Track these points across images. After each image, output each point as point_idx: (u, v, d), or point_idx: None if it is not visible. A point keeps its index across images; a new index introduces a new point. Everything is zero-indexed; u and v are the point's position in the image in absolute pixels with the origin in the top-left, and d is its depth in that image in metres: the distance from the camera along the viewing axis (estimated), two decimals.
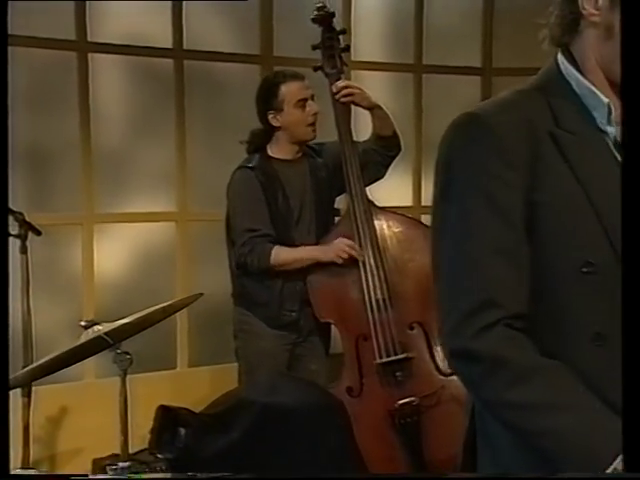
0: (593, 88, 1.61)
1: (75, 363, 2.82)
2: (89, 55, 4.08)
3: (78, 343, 2.61)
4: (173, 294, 4.22)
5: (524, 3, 4.71)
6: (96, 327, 2.66)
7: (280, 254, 3.42)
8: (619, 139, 1.61)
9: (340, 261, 3.33)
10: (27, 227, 3.34)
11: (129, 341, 4.10)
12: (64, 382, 3.83)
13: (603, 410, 1.52)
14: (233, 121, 3.88)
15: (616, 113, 1.61)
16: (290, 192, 3.49)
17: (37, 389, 3.62)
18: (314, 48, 3.47)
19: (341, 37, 3.52)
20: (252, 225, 3.48)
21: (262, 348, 3.57)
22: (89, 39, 4.08)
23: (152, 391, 3.78)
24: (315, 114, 3.49)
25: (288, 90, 3.49)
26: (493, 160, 1.58)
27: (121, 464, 2.69)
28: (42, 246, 3.95)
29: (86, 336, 2.63)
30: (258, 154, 3.58)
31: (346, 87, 3.41)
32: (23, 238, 3.32)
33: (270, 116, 3.50)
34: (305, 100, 3.50)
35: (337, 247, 3.36)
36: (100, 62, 4.14)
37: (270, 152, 3.57)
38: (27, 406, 3.27)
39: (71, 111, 4.08)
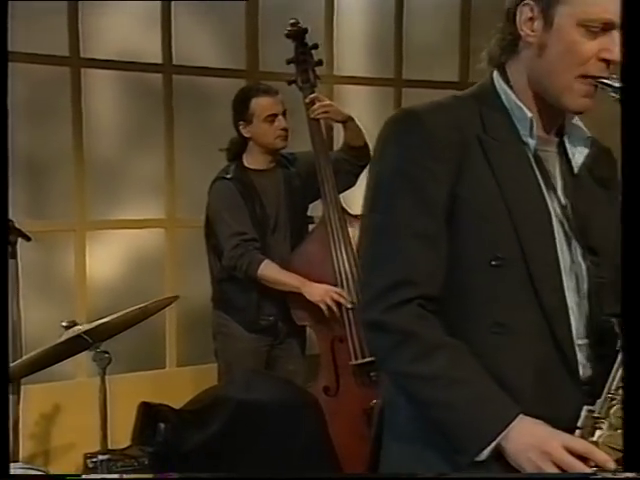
0: (520, 103, 1.70)
1: (57, 362, 2.84)
2: (82, 70, 4.08)
3: (57, 342, 2.66)
4: (161, 294, 4.13)
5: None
6: (76, 327, 2.71)
7: (268, 270, 3.41)
8: (538, 152, 1.69)
9: (324, 307, 3.31)
10: (17, 233, 3.33)
11: (120, 342, 4.16)
12: (57, 381, 3.87)
13: (495, 388, 1.59)
14: (220, 133, 3.86)
15: (537, 128, 1.68)
16: (266, 201, 3.50)
17: (31, 387, 3.69)
18: (288, 62, 3.50)
19: (314, 52, 3.51)
20: (240, 229, 3.47)
21: (240, 350, 3.56)
22: (82, 55, 4.07)
23: (141, 390, 3.81)
24: (284, 129, 3.49)
25: (258, 104, 3.50)
26: (424, 153, 1.65)
27: (100, 457, 2.76)
28: (37, 251, 4.01)
29: (67, 336, 2.67)
30: (234, 165, 3.59)
31: (319, 106, 3.42)
32: (13, 244, 3.31)
33: (241, 126, 3.53)
34: (275, 115, 3.50)
35: (325, 292, 3.33)
36: (93, 77, 4.16)
37: (245, 163, 3.58)
38: (16, 403, 3.26)
39: (65, 123, 4.10)
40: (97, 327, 2.70)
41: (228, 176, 3.54)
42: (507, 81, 1.73)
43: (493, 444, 1.55)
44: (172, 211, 4.33)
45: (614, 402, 1.60)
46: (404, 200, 1.66)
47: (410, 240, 1.65)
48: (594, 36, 1.62)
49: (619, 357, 1.61)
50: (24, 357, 2.75)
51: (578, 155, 1.73)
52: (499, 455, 1.57)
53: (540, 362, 1.64)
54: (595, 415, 1.60)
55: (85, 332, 2.66)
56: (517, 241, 1.63)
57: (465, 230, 1.65)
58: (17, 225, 3.35)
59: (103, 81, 4.22)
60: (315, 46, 3.42)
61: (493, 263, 1.64)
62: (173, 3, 4.26)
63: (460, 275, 1.66)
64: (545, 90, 1.68)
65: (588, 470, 1.54)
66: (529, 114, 1.68)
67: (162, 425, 3.09)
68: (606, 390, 1.61)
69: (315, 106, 3.41)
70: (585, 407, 1.61)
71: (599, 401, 1.61)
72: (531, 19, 1.66)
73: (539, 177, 1.69)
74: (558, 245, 1.68)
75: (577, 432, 1.59)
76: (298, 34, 3.40)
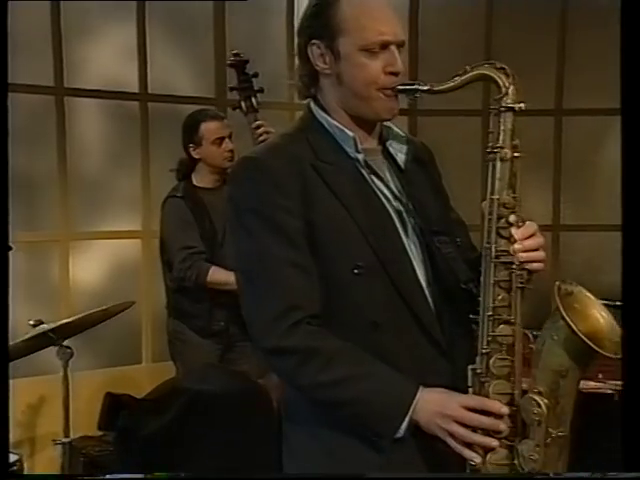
0: (340, 126, 1.72)
1: (25, 356, 2.87)
2: (65, 98, 4.15)
3: (23, 338, 2.72)
4: (138, 300, 4.16)
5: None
6: (42, 326, 2.78)
7: (216, 274, 3.34)
8: (367, 162, 1.72)
9: None
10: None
11: (100, 341, 4.23)
12: (43, 375, 3.86)
13: (392, 373, 1.62)
14: None
15: (361, 143, 1.71)
16: (214, 217, 3.43)
17: (20, 380, 3.58)
18: (231, 90, 3.42)
19: (254, 80, 3.38)
20: (188, 243, 3.41)
21: (195, 354, 3.50)
22: (66, 85, 4.14)
23: (119, 383, 3.83)
24: (230, 151, 3.45)
25: (207, 128, 3.47)
26: (272, 194, 1.64)
27: (64, 439, 2.84)
28: (25, 259, 4.10)
29: (33, 333, 2.76)
30: (184, 184, 3.54)
31: (263, 130, 3.29)
32: None
33: (190, 149, 3.49)
34: (222, 138, 3.47)
35: None
36: (76, 104, 4.21)
37: (195, 181, 3.53)
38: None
39: (51, 145, 4.15)
40: (61, 326, 2.76)
41: (178, 194, 3.50)
42: (323, 109, 1.74)
43: (406, 420, 1.58)
44: (147, 223, 4.34)
45: (490, 355, 1.62)
46: (266, 237, 1.65)
47: (283, 271, 1.64)
48: (376, 56, 1.66)
49: (481, 314, 1.64)
50: None
51: (400, 154, 1.78)
52: (416, 428, 1.59)
53: (412, 345, 1.68)
54: (479, 371, 1.62)
55: (50, 330, 2.71)
56: (370, 248, 1.66)
57: (326, 249, 1.67)
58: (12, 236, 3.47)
59: (85, 108, 4.27)
60: (255, 75, 3.36)
61: (355, 272, 1.65)
62: (148, 38, 4.30)
63: (332, 289, 1.67)
64: (355, 109, 1.72)
65: (487, 421, 1.56)
66: (350, 134, 1.71)
67: (124, 412, 3.11)
68: (479, 348, 1.63)
69: (259, 130, 3.31)
70: (469, 367, 1.62)
71: (477, 359, 1.63)
72: (322, 55, 1.70)
73: (374, 185, 1.72)
74: (405, 241, 1.71)
75: (470, 390, 1.62)
76: (239, 64, 3.33)
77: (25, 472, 2.95)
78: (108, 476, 2.71)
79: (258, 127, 3.25)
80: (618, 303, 2.25)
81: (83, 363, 4.12)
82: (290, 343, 1.61)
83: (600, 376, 2.75)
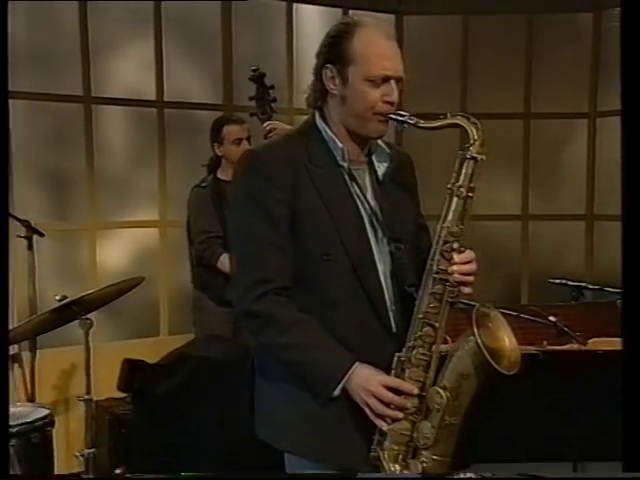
0: (334, 137, 1.84)
1: (54, 328, 2.98)
2: (93, 106, 4.22)
3: (49, 309, 2.83)
4: (157, 281, 4.41)
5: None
6: (66, 301, 2.87)
7: (225, 263, 3.43)
8: (351, 170, 1.84)
9: None
10: (32, 231, 3.49)
11: (122, 315, 4.37)
12: (74, 345, 3.90)
13: (336, 346, 1.75)
14: (202, 153, 3.93)
15: (347, 152, 1.83)
16: None
17: (55, 350, 3.88)
18: (250, 99, 3.46)
19: (271, 91, 3.44)
20: (206, 227, 3.56)
21: (212, 320, 3.62)
22: (93, 94, 4.20)
23: (139, 353, 3.74)
24: None
25: (228, 130, 3.63)
26: (266, 184, 1.77)
27: (86, 396, 3.00)
28: (57, 246, 4.19)
29: (57, 305, 2.85)
30: (210, 176, 3.69)
31: (269, 125, 3.33)
32: (29, 239, 3.48)
33: (214, 146, 3.66)
34: (241, 139, 3.62)
35: None
36: (102, 111, 4.27)
37: (219, 174, 3.68)
38: (32, 358, 3.48)
39: (80, 147, 4.21)
40: (81, 298, 2.85)
41: (203, 185, 3.67)
42: (325, 119, 1.86)
43: (340, 386, 1.73)
44: (164, 214, 4.43)
45: (414, 348, 1.76)
46: (255, 219, 1.78)
47: (263, 248, 1.77)
48: (377, 86, 1.78)
49: (414, 314, 1.77)
50: (23, 321, 2.94)
51: (381, 168, 1.89)
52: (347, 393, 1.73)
53: (365, 326, 1.81)
54: (402, 359, 1.77)
55: (71, 302, 2.82)
56: (340, 240, 1.78)
57: (303, 236, 1.79)
58: (33, 225, 3.53)
59: (110, 114, 4.32)
60: (272, 87, 3.43)
61: (324, 258, 1.78)
62: (164, 52, 4.36)
63: (303, 268, 1.79)
64: (351, 126, 1.84)
65: (397, 399, 1.71)
66: (340, 145, 1.83)
67: (139, 375, 3.29)
68: (408, 340, 1.77)
69: (269, 128, 3.34)
70: (396, 354, 1.77)
71: (404, 349, 1.77)
72: (332, 78, 1.81)
73: (352, 189, 1.84)
74: (371, 239, 1.83)
75: (392, 372, 1.77)
76: (258, 78, 3.42)
77: (56, 426, 3.00)
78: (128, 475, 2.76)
79: (267, 127, 3.30)
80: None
81: (108, 335, 4.29)
82: (257, 308, 1.76)
83: (544, 343, 2.79)
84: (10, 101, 4.08)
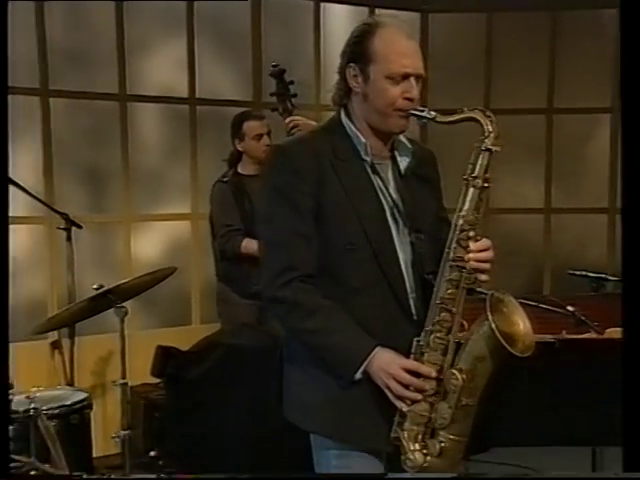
0: (357, 132, 1.88)
1: (91, 316, 3.06)
2: (128, 104, 4.28)
3: (86, 298, 2.92)
4: (189, 272, 4.47)
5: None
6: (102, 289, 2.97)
7: (248, 244, 3.46)
8: (374, 164, 1.87)
9: None
10: (71, 223, 3.57)
11: (156, 304, 4.44)
12: (110, 333, 3.93)
13: (359, 331, 1.79)
14: (230, 148, 3.89)
15: (370, 147, 1.87)
16: (254, 198, 3.50)
17: (93, 337, 3.96)
18: (271, 95, 3.46)
19: (291, 86, 3.41)
20: (228, 221, 3.54)
21: (237, 312, 3.61)
22: (128, 92, 4.27)
23: (172, 341, 3.75)
24: (267, 145, 3.52)
25: (248, 126, 3.61)
26: (293, 177, 1.82)
27: (121, 381, 3.08)
28: (95, 237, 4.27)
29: (94, 293, 2.95)
30: (231, 171, 3.66)
31: (291, 120, 3.32)
32: (68, 231, 3.55)
33: (235, 142, 3.63)
34: (261, 135, 3.60)
35: None
36: (136, 108, 4.34)
37: (240, 169, 3.66)
38: (71, 344, 3.57)
39: (116, 143, 4.28)
40: (116, 287, 2.93)
41: (225, 179, 3.64)
42: (349, 116, 1.90)
43: (361, 369, 1.77)
44: (195, 207, 4.46)
45: (432, 333, 1.80)
46: (283, 210, 1.82)
47: (289, 238, 1.81)
48: (397, 83, 1.82)
49: (432, 300, 1.81)
50: (62, 309, 3.03)
51: (404, 162, 1.92)
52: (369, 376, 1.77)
53: (386, 312, 1.84)
54: (421, 343, 1.81)
55: (107, 291, 2.90)
56: (362, 230, 1.82)
57: (328, 226, 1.82)
58: (72, 217, 3.62)
59: (144, 111, 4.38)
60: (291, 82, 3.41)
61: (348, 247, 1.82)
62: (196, 51, 4.41)
63: (328, 257, 1.83)
64: (373, 122, 1.88)
65: (416, 381, 1.75)
66: (363, 140, 1.87)
67: (171, 361, 3.32)
68: (426, 325, 1.81)
69: (291, 125, 3.32)
70: (415, 339, 1.81)
71: (422, 333, 1.81)
72: (355, 76, 1.85)
73: (375, 182, 1.87)
74: (392, 229, 1.86)
75: (411, 356, 1.80)
76: (278, 73, 3.41)
77: (94, 409, 3.11)
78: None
79: (291, 122, 3.30)
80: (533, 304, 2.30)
81: (143, 324, 4.36)
82: (283, 294, 1.80)
83: (564, 332, 2.79)
84: (50, 100, 4.24)
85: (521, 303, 1.86)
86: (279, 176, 1.85)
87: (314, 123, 3.33)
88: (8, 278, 1.75)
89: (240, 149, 3.64)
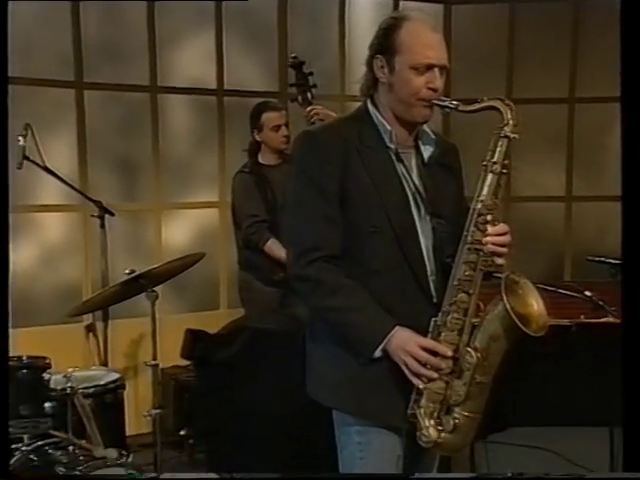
0: (383, 121, 1.92)
1: (123, 300, 3.11)
2: (158, 95, 4.34)
3: (118, 282, 2.98)
4: (217, 258, 4.51)
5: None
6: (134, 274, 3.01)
7: (273, 247, 3.45)
8: (398, 152, 1.91)
9: None
10: (104, 211, 3.62)
11: (186, 290, 4.50)
12: (140, 317, 3.95)
13: (379, 311, 1.83)
14: None
15: (395, 136, 1.90)
16: (275, 188, 3.52)
17: (125, 320, 4.01)
18: (291, 85, 3.48)
19: (310, 77, 3.42)
20: (253, 212, 3.52)
21: (259, 300, 3.61)
22: (159, 84, 4.32)
23: (201, 326, 3.77)
24: (285, 136, 3.55)
25: (267, 117, 3.58)
26: (320, 161, 1.86)
27: (152, 362, 3.14)
28: (127, 225, 4.32)
29: (126, 278, 3.00)
30: (251, 161, 3.63)
31: (312, 110, 3.32)
32: (102, 218, 3.60)
33: (254, 133, 3.60)
34: (279, 126, 3.57)
35: None
36: (166, 99, 4.40)
37: (260, 160, 3.63)
38: (105, 328, 3.64)
39: (147, 133, 4.34)
40: (147, 272, 2.98)
41: (246, 170, 3.62)
42: (375, 106, 1.94)
43: (380, 347, 1.80)
44: (223, 195, 4.45)
45: (449, 313, 1.83)
46: (310, 193, 1.86)
47: (315, 220, 1.85)
48: (421, 74, 1.85)
49: (450, 282, 1.84)
50: (96, 293, 3.10)
51: (427, 151, 1.95)
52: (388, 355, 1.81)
53: (406, 293, 1.88)
54: (438, 323, 1.84)
55: (139, 276, 2.95)
56: (385, 214, 1.85)
57: (352, 210, 1.86)
58: (105, 205, 3.67)
59: (174, 102, 4.44)
60: (310, 73, 3.41)
61: (371, 230, 1.85)
62: (224, 44, 4.45)
63: (352, 239, 1.87)
64: (398, 111, 1.91)
65: (432, 359, 1.78)
66: (389, 128, 1.90)
67: (200, 344, 3.38)
68: (443, 306, 1.85)
69: (311, 113, 3.33)
70: (432, 319, 1.84)
71: (440, 314, 1.85)
72: (382, 67, 1.89)
73: (399, 169, 1.90)
74: (415, 214, 1.90)
75: (429, 335, 1.84)
76: (297, 65, 3.42)
77: (127, 390, 3.18)
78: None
79: (309, 112, 3.32)
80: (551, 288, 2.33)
81: (173, 308, 4.42)
82: (307, 273, 1.84)
83: (582, 317, 2.83)
84: (85, 92, 4.32)
85: (540, 288, 1.88)
86: (307, 160, 1.89)
87: (333, 114, 3.37)
88: (8, 278, 1.84)
89: (259, 139, 3.61)
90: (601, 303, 2.67)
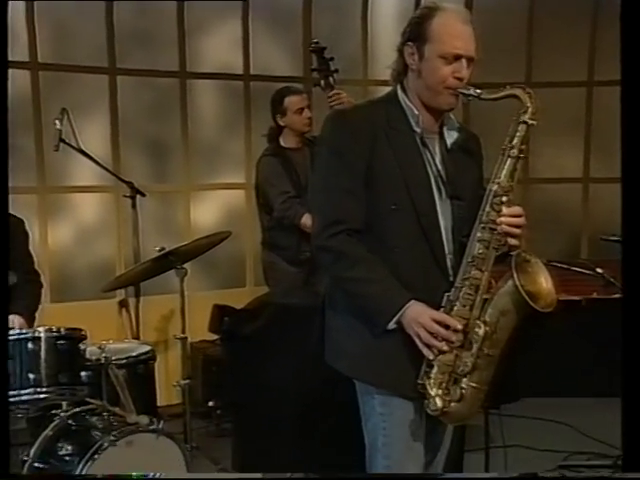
0: (411, 105, 1.95)
1: (154, 276, 3.18)
2: (187, 80, 4.40)
3: (149, 259, 3.04)
4: (243, 237, 4.57)
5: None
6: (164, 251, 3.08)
7: (307, 222, 3.36)
8: (423, 137, 1.94)
9: None
10: (135, 192, 3.68)
11: (213, 267, 4.56)
12: (170, 293, 3.88)
13: (396, 284, 1.86)
14: None
15: (422, 121, 1.93)
16: (298, 169, 3.54)
17: (156, 297, 4.07)
18: (312, 70, 3.50)
19: (331, 62, 3.43)
20: (285, 189, 3.50)
21: (285, 279, 3.60)
22: (188, 69, 4.37)
23: (228, 302, 3.94)
24: (309, 118, 3.55)
25: (290, 101, 3.57)
26: (349, 139, 1.90)
27: (181, 335, 3.22)
28: (157, 205, 4.40)
29: (156, 255, 3.08)
30: (273, 145, 3.63)
31: (336, 97, 3.36)
32: (133, 199, 3.66)
33: (277, 117, 3.59)
34: (302, 109, 3.56)
35: None
36: (195, 84, 4.45)
37: (282, 143, 3.62)
38: (137, 303, 3.71)
39: (176, 117, 4.42)
40: (177, 249, 3.04)
41: (270, 153, 3.62)
42: (404, 91, 1.97)
43: (395, 318, 1.84)
44: (249, 177, 4.37)
45: (462, 288, 1.87)
46: (337, 169, 1.90)
47: (339, 194, 1.89)
48: (449, 63, 1.88)
49: (464, 259, 1.88)
50: (128, 269, 3.17)
51: (450, 138, 1.99)
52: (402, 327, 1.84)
53: (424, 269, 1.91)
54: (451, 298, 1.88)
55: (168, 252, 3.01)
56: (408, 194, 1.89)
57: (376, 187, 1.89)
58: (137, 186, 3.73)
59: (202, 87, 4.49)
60: (331, 58, 3.43)
61: (393, 207, 1.89)
62: (251, 30, 4.51)
63: (374, 216, 1.90)
64: (425, 98, 1.94)
65: (443, 332, 1.81)
66: (416, 112, 1.93)
67: (226, 319, 3.50)
68: (456, 282, 1.89)
69: (333, 98, 3.37)
70: (445, 294, 1.88)
71: (452, 289, 1.88)
72: (412, 54, 1.92)
73: (423, 153, 1.94)
74: (436, 196, 1.94)
75: (441, 309, 1.87)
76: (318, 50, 3.43)
77: (157, 362, 3.22)
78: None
79: (332, 96, 3.34)
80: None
81: (201, 286, 4.49)
82: (330, 244, 1.88)
83: (594, 294, 2.87)
84: (118, 78, 4.40)
85: (554, 265, 1.94)
86: (336, 138, 1.93)
87: (352, 100, 3.36)
88: (8, 277, 1.85)
89: (282, 124, 3.60)
90: (612, 280, 2.70)
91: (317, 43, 3.47)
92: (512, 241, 1.87)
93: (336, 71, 3.45)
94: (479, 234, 1.88)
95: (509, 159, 1.88)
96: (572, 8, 4.90)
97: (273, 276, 3.71)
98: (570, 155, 5.14)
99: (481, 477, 2.45)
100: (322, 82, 3.43)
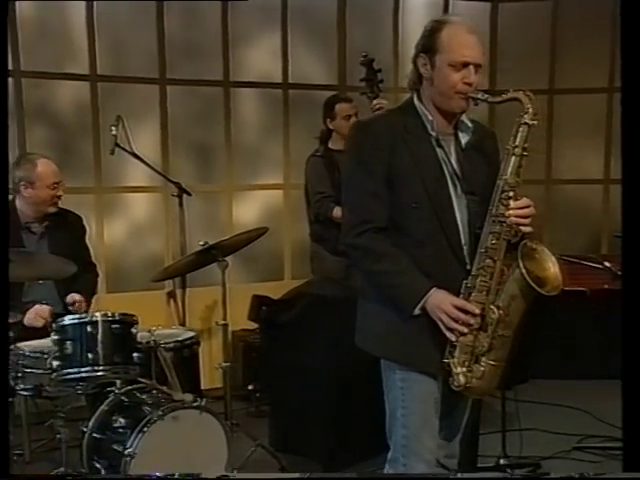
0: (426, 112, 2.03)
1: (197, 269, 3.28)
2: (231, 89, 4.50)
3: (192, 253, 3.14)
4: (281, 233, 4.67)
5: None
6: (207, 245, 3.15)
7: (338, 212, 3.55)
8: (439, 139, 2.02)
9: None
10: (182, 191, 3.79)
11: (254, 261, 4.63)
12: (214, 285, 3.97)
13: (419, 274, 1.95)
14: (320, 126, 3.93)
15: (436, 124, 2.01)
16: (342, 170, 3.44)
17: (201, 289, 4.13)
18: (361, 80, 3.58)
19: (379, 74, 3.55)
20: (321, 189, 3.71)
21: (327, 268, 3.78)
22: (231, 79, 4.48)
23: (268, 294, 3.86)
24: None
25: (339, 108, 3.76)
26: (370, 147, 2.00)
27: (222, 321, 3.29)
28: (202, 204, 4.49)
29: (199, 249, 3.16)
30: (322, 147, 3.82)
31: (378, 103, 3.43)
32: (180, 198, 3.79)
33: (327, 121, 3.78)
34: (350, 116, 3.72)
35: None
36: (238, 92, 4.55)
37: (330, 145, 3.80)
38: (183, 294, 3.83)
39: (220, 122, 4.51)
40: (219, 243, 3.13)
41: (318, 154, 3.81)
42: (420, 98, 2.06)
43: (419, 305, 1.94)
44: (288, 178, 4.67)
45: (477, 277, 1.96)
46: (361, 175, 2.00)
47: (366, 197, 1.99)
48: (458, 70, 1.97)
49: (478, 249, 1.96)
50: (175, 261, 3.26)
51: (464, 138, 2.07)
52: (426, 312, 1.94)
53: (443, 259, 2.00)
54: (468, 285, 1.97)
55: (210, 247, 3.10)
56: (425, 192, 1.98)
57: (397, 188, 1.99)
58: (184, 186, 3.85)
59: (244, 95, 4.59)
60: (379, 70, 3.54)
61: (413, 205, 1.98)
62: (290, 40, 4.57)
63: (396, 214, 2.00)
64: (438, 103, 2.02)
65: (463, 316, 1.90)
66: (431, 118, 2.02)
67: (264, 308, 3.56)
68: (472, 271, 1.97)
69: (376, 107, 3.43)
70: (463, 282, 1.97)
71: (469, 278, 1.98)
72: (425, 64, 2.01)
73: (439, 153, 2.02)
74: (452, 193, 2.01)
75: (460, 296, 1.97)
76: (368, 62, 3.55)
77: (201, 347, 3.30)
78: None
79: (376, 104, 3.42)
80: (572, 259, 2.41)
81: (242, 278, 4.60)
82: (358, 242, 1.99)
83: (606, 286, 2.92)
84: (167, 87, 4.55)
85: (565, 260, 2.00)
86: (359, 146, 2.03)
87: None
88: (8, 277, 1.88)
89: (331, 127, 3.77)
90: (619, 273, 2.76)
91: (366, 56, 3.58)
92: (526, 229, 1.95)
93: (382, 81, 3.56)
94: (490, 227, 1.97)
95: (513, 157, 1.96)
96: (593, 19, 4.91)
97: (317, 265, 3.88)
98: (591, 158, 5.15)
99: (484, 477, 2.52)
100: (369, 91, 3.53)
